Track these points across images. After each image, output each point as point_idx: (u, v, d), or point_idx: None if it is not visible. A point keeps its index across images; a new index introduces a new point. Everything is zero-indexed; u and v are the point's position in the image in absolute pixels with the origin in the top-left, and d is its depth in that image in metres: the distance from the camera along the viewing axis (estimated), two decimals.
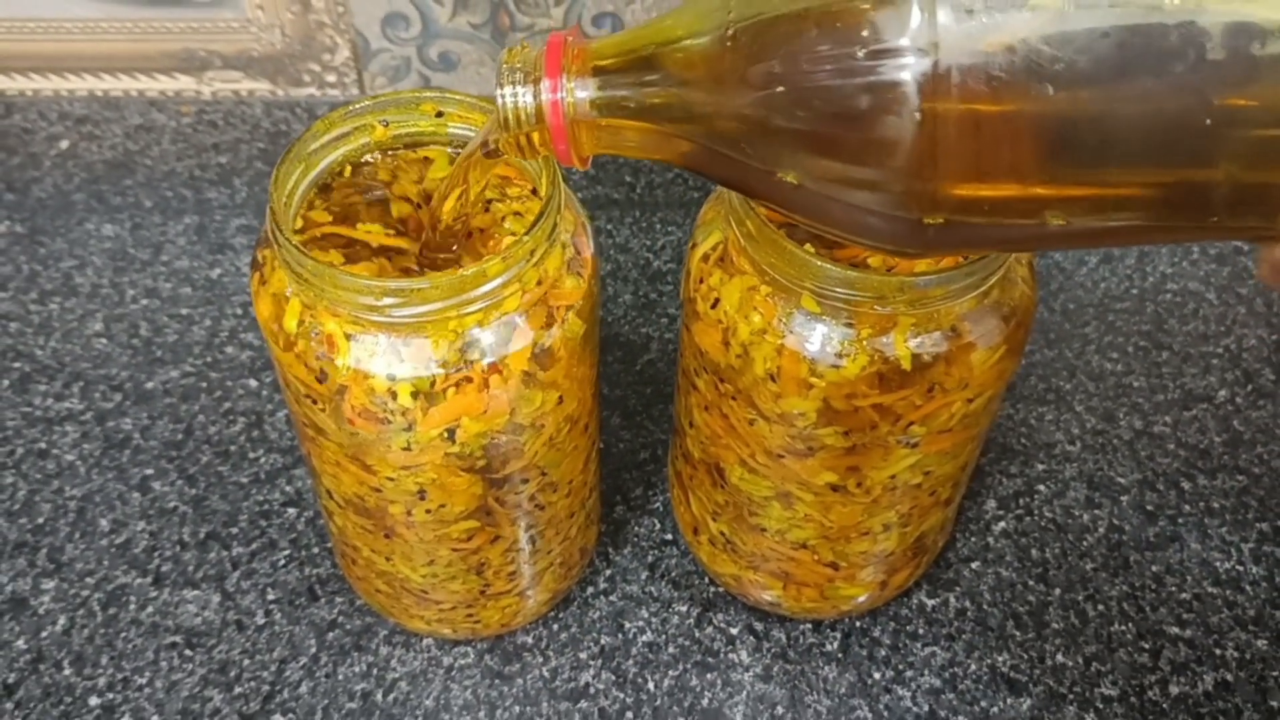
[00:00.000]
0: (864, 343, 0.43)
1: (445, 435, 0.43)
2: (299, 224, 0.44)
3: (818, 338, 0.43)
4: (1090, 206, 0.33)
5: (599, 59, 0.37)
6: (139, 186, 0.76)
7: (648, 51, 0.36)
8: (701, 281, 0.46)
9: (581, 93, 0.36)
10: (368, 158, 0.47)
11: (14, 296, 0.70)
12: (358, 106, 0.45)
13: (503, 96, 0.37)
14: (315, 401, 0.43)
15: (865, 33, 0.31)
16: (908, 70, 0.31)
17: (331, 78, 0.76)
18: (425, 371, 0.41)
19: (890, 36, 0.31)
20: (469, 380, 0.42)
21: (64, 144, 0.76)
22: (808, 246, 0.43)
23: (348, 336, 0.41)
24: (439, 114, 0.46)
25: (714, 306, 0.45)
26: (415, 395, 0.41)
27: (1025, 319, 0.45)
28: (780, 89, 0.33)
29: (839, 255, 0.45)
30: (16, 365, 0.67)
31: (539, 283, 0.43)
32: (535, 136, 0.38)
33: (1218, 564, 0.60)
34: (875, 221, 0.34)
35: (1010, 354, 0.45)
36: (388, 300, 0.40)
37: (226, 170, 0.76)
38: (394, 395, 0.41)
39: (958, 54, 0.30)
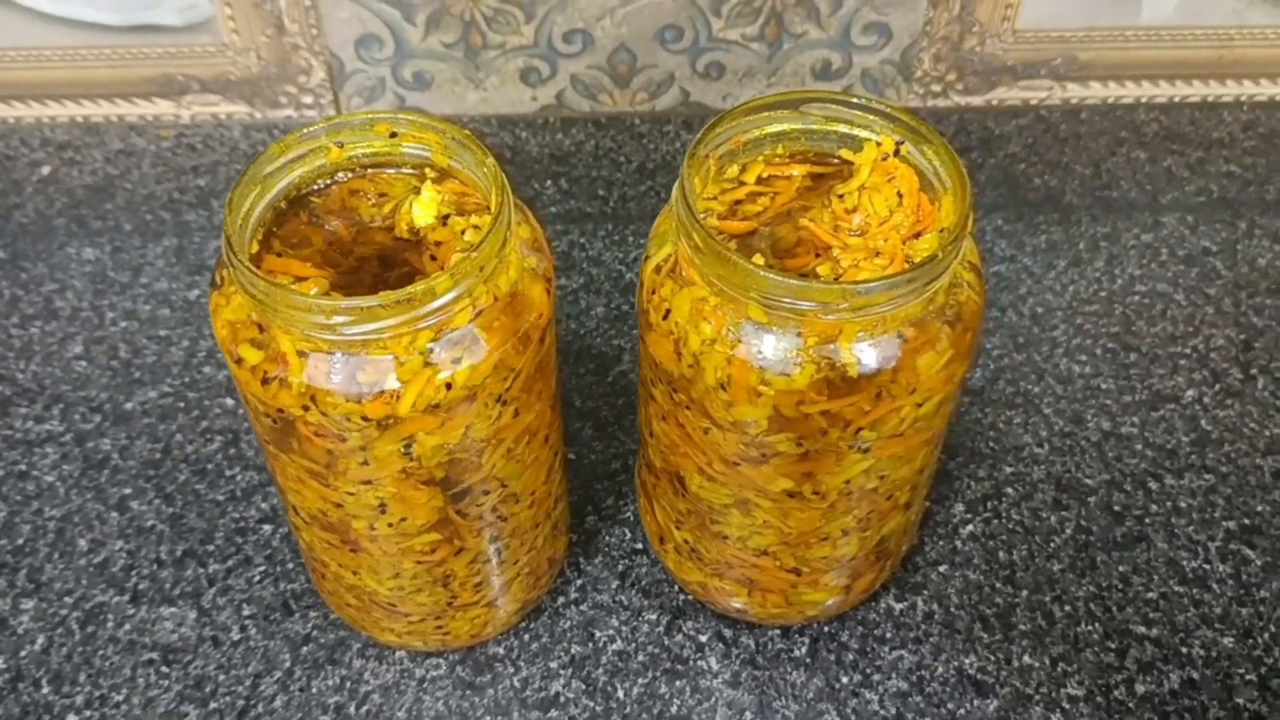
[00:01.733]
0: (811, 350, 0.43)
1: (402, 450, 0.44)
2: (277, 243, 0.45)
3: (766, 347, 0.44)
4: None
5: None
6: (119, 210, 0.77)
7: None
8: (654, 292, 0.47)
9: None
10: (320, 181, 0.48)
11: None
12: (312, 129, 0.46)
13: None
14: (273, 420, 0.44)
15: None
16: None
17: (308, 99, 0.77)
18: (381, 387, 0.42)
19: None
20: (424, 395, 0.42)
21: (45, 170, 0.77)
22: (757, 258, 0.44)
23: (302, 355, 0.42)
24: (393, 134, 0.47)
25: (665, 317, 0.46)
26: (371, 412, 0.42)
27: (972, 322, 0.46)
28: None
29: (788, 265, 0.46)
30: None
31: (494, 297, 0.44)
32: None
33: (1184, 563, 0.61)
34: None
35: (958, 358, 0.45)
36: (338, 319, 0.40)
37: (205, 192, 0.77)
38: (350, 413, 0.42)
39: None
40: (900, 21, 0.74)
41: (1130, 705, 0.56)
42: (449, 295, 0.41)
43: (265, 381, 0.42)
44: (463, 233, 0.46)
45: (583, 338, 0.71)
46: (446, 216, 0.46)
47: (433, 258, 0.45)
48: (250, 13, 0.72)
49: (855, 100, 0.48)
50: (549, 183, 0.77)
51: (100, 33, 0.73)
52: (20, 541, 0.61)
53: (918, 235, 0.46)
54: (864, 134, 0.48)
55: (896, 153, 0.47)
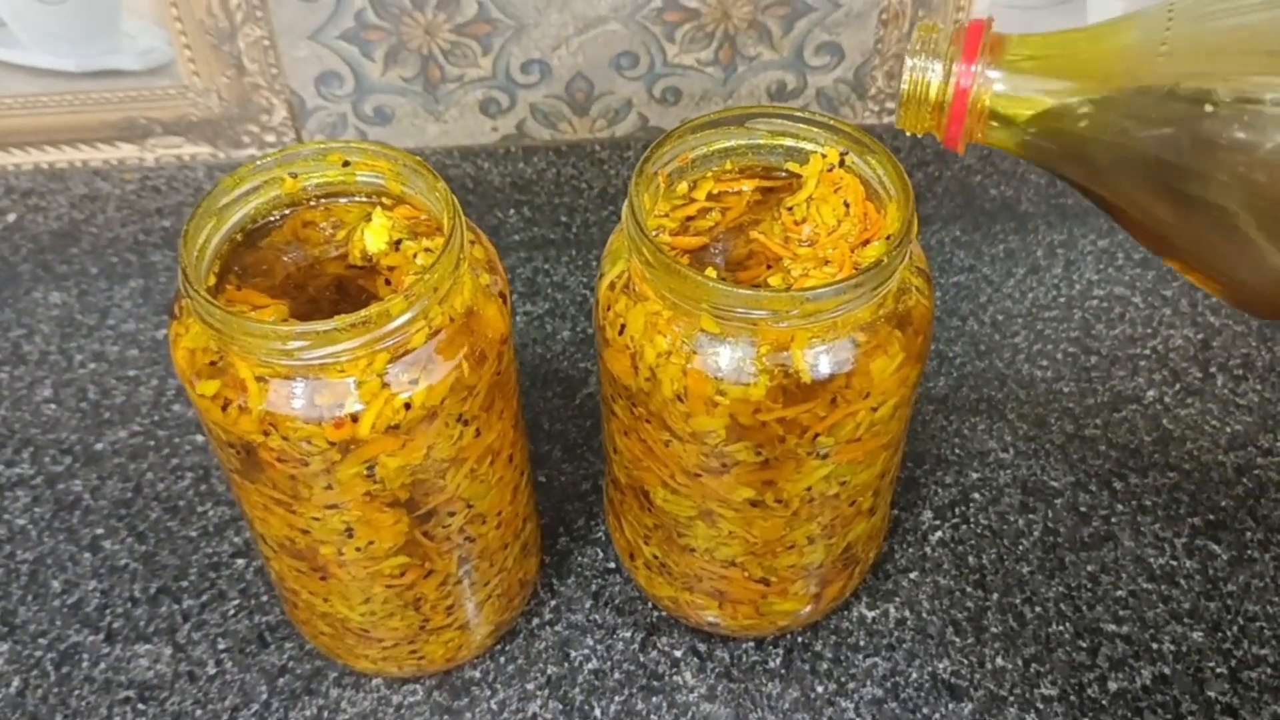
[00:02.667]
0: (764, 359, 0.44)
1: (365, 473, 0.44)
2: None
3: (720, 357, 0.44)
4: None
5: (1018, 57, 0.37)
6: (85, 254, 0.77)
7: (1069, 62, 0.36)
8: (609, 309, 0.48)
9: (993, 85, 0.37)
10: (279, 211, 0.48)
11: None
12: (264, 160, 0.46)
13: (913, 68, 0.38)
14: (234, 448, 0.44)
15: None
16: None
17: (270, 138, 0.78)
18: (340, 411, 0.42)
19: None
20: (384, 416, 0.43)
21: (10, 217, 0.78)
22: (709, 270, 0.45)
23: (261, 380, 0.42)
24: (346, 163, 0.48)
25: (621, 332, 0.47)
26: (331, 435, 0.42)
27: (923, 326, 0.46)
28: (1208, 117, 0.33)
29: (741, 278, 0.46)
30: None
31: (450, 318, 0.44)
32: (930, 116, 0.38)
33: (1151, 560, 0.62)
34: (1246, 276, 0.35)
35: (910, 361, 0.46)
36: (295, 344, 0.41)
37: (171, 233, 0.78)
38: (311, 437, 0.43)
39: None
40: (851, 41, 0.75)
41: (1104, 703, 0.56)
42: (404, 316, 0.42)
43: (225, 408, 0.42)
44: (415, 256, 0.47)
45: (549, 361, 0.71)
46: (399, 241, 0.46)
47: (387, 282, 0.46)
48: (210, 54, 0.73)
49: (799, 114, 0.49)
50: (512, 211, 0.78)
51: (61, 79, 0.74)
52: None
53: (866, 243, 0.47)
54: (809, 146, 0.49)
55: (842, 163, 0.48)
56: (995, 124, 0.39)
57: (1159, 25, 0.35)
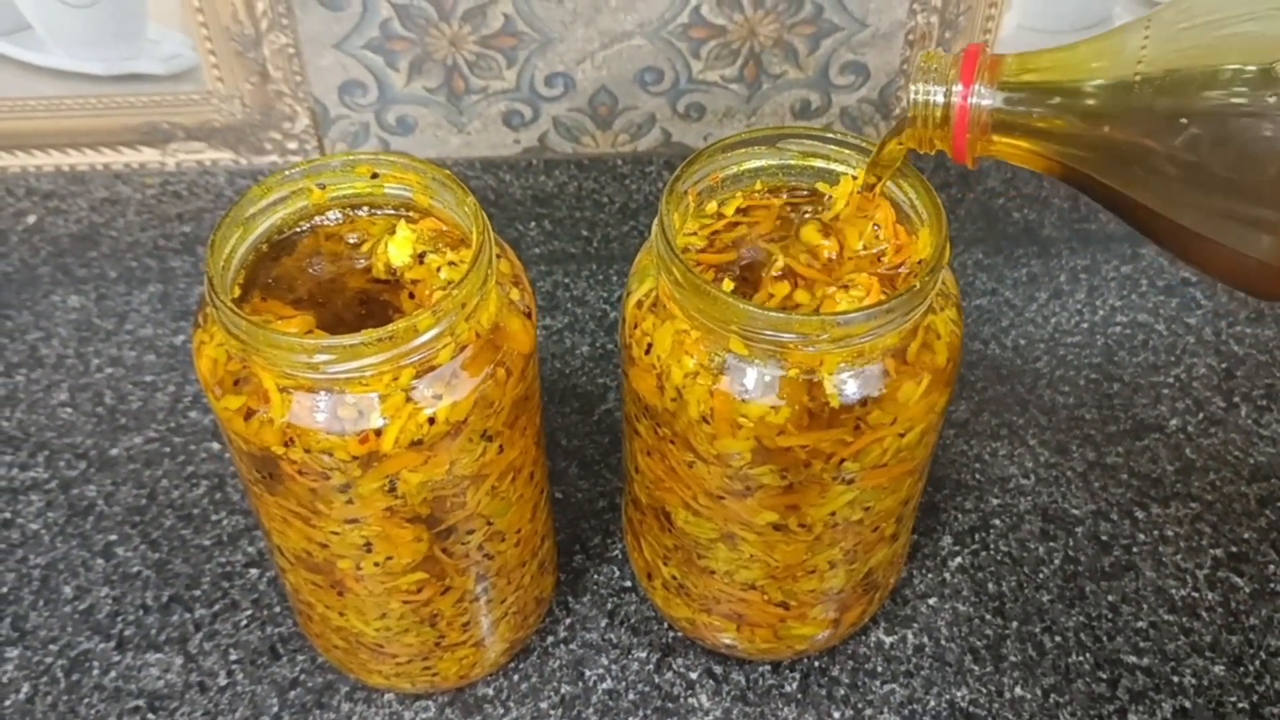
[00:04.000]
0: (792, 382, 0.44)
1: (386, 488, 0.44)
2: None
3: (747, 379, 0.44)
4: None
5: (1008, 74, 0.41)
6: (104, 258, 0.77)
7: (1056, 78, 0.41)
8: (636, 327, 0.47)
9: (988, 101, 0.41)
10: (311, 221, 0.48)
11: None
12: (292, 171, 0.46)
13: (915, 93, 0.42)
14: (254, 459, 0.44)
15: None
16: None
17: (293, 145, 0.78)
18: (364, 425, 0.42)
19: None
20: (407, 431, 0.42)
21: (30, 219, 0.77)
22: (726, 283, 0.44)
23: (285, 391, 0.42)
24: (374, 175, 0.47)
25: (648, 351, 0.46)
26: (354, 449, 0.42)
27: (952, 353, 0.46)
28: (1189, 128, 0.37)
29: (773, 292, 0.46)
30: None
31: (476, 333, 0.44)
32: (937, 133, 0.43)
33: (1173, 591, 0.61)
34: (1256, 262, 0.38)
35: (938, 387, 0.46)
36: (321, 357, 0.41)
37: (190, 239, 0.78)
38: (333, 450, 0.42)
39: None
40: (877, 60, 0.75)
41: None
42: (431, 332, 0.42)
43: (247, 418, 0.42)
44: (439, 270, 0.46)
45: (568, 377, 0.71)
46: (423, 255, 0.46)
47: (411, 296, 0.45)
48: (234, 61, 0.73)
49: (831, 135, 0.48)
50: (532, 224, 0.78)
51: (85, 83, 0.74)
52: (4, 589, 0.61)
53: (896, 267, 0.46)
54: (840, 168, 0.49)
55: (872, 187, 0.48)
56: (998, 136, 0.42)
57: (1138, 35, 0.40)
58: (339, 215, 0.48)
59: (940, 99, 0.42)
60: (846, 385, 0.44)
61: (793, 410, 0.44)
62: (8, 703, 0.56)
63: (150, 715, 0.56)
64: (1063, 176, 0.42)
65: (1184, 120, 0.38)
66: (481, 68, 0.73)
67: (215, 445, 0.67)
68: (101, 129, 0.77)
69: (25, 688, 0.57)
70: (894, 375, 0.44)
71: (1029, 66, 0.42)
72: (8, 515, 0.64)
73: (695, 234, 0.49)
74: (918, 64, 0.42)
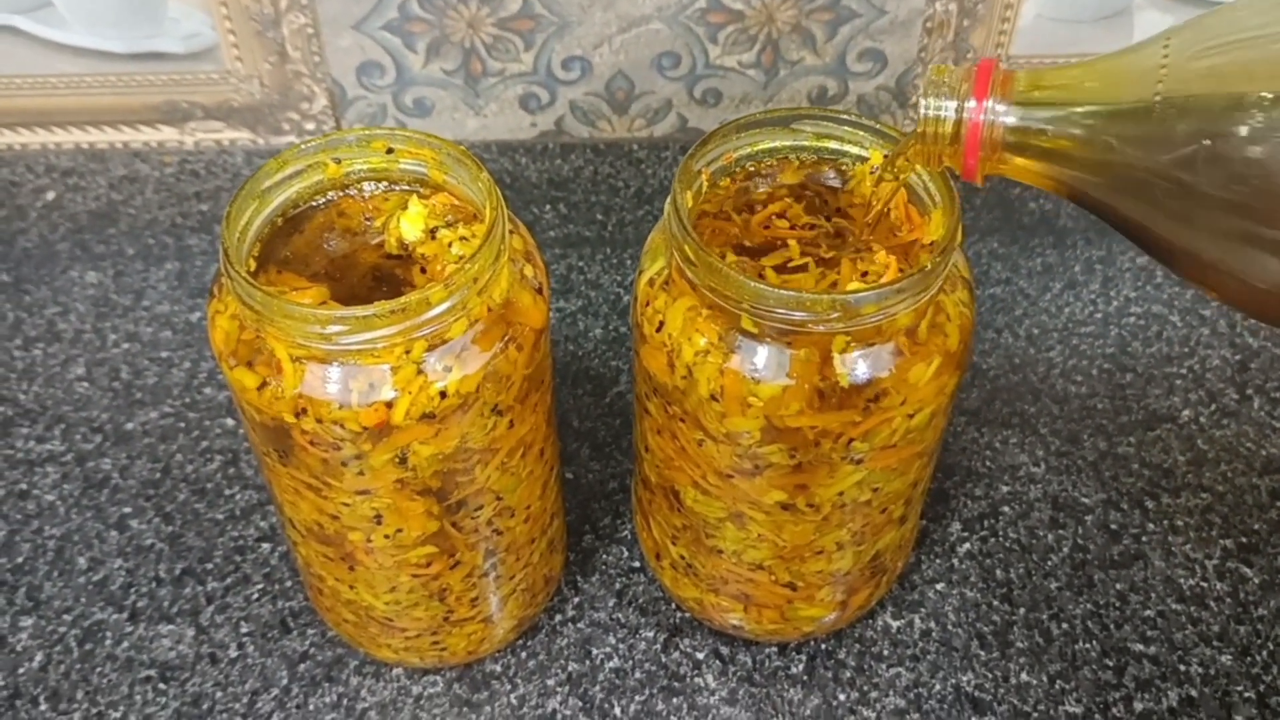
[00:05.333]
0: (802, 361, 0.44)
1: (397, 460, 0.44)
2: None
3: (757, 357, 0.44)
4: None
5: (1022, 90, 0.40)
6: (122, 235, 0.78)
7: (1071, 96, 0.40)
8: (647, 305, 0.47)
9: (1003, 118, 0.40)
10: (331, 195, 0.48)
11: None
12: (309, 145, 0.46)
13: (926, 108, 0.41)
14: (267, 429, 0.44)
15: None
16: None
17: (310, 125, 0.78)
18: (375, 397, 0.42)
19: None
20: (418, 404, 0.43)
21: (50, 196, 0.78)
22: (729, 256, 0.44)
23: (297, 361, 0.42)
24: (389, 150, 0.47)
25: (659, 329, 0.46)
26: (365, 420, 0.42)
27: (964, 334, 0.46)
28: (1210, 153, 0.36)
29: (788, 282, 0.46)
30: (0, 410, 0.68)
31: (488, 308, 0.44)
32: (947, 151, 0.41)
33: (1181, 581, 0.61)
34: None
35: (948, 369, 0.46)
36: (334, 328, 0.41)
37: (208, 217, 0.78)
38: (344, 421, 0.42)
39: None
40: (895, 48, 0.75)
41: None
42: (443, 305, 0.42)
43: (260, 388, 0.42)
44: (450, 245, 0.46)
45: (580, 359, 0.71)
46: (435, 230, 0.46)
47: (423, 270, 0.46)
48: (253, 41, 0.73)
49: (845, 116, 0.48)
50: (548, 207, 0.78)
51: (105, 60, 0.74)
52: (20, 560, 0.61)
53: (910, 244, 0.46)
54: (854, 150, 0.49)
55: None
56: (1009, 155, 0.41)
57: (1156, 56, 0.38)
58: (353, 190, 0.48)
59: (952, 115, 0.41)
60: (857, 365, 0.44)
61: (802, 389, 0.44)
62: (22, 671, 0.57)
63: (162, 685, 0.57)
64: (1073, 198, 0.41)
65: (1206, 144, 0.36)
66: (499, 50, 0.74)
67: (229, 421, 0.67)
68: (121, 107, 0.78)
69: (39, 656, 0.58)
70: (905, 356, 0.44)
71: (1042, 84, 0.40)
72: (24, 487, 0.64)
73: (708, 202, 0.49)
74: (928, 77, 0.41)
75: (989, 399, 0.69)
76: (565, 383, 0.70)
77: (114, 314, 0.74)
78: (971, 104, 0.40)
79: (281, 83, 0.76)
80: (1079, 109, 0.39)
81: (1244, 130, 0.36)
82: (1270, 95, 0.36)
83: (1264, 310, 0.40)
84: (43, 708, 0.56)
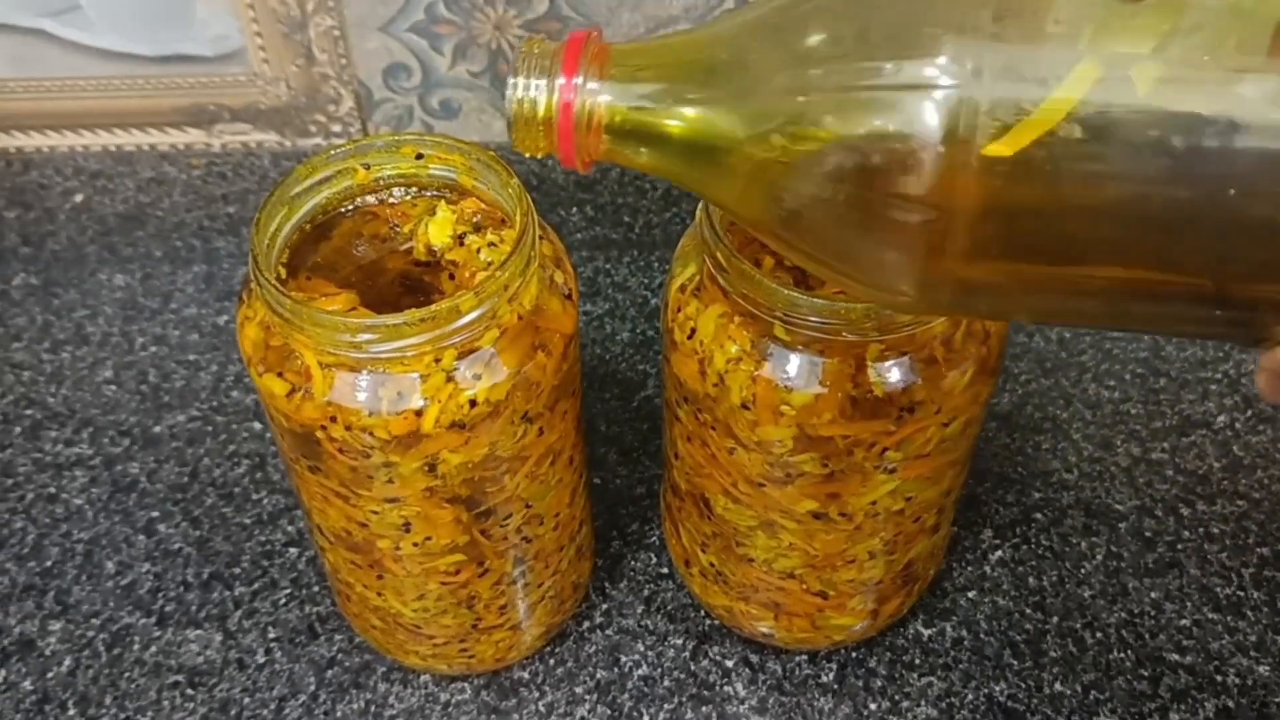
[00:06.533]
0: (836, 369, 0.43)
1: (426, 468, 0.44)
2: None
3: (790, 366, 0.44)
4: (1069, 293, 0.34)
5: (620, 66, 0.36)
6: (150, 238, 0.78)
7: (667, 69, 0.36)
8: (679, 311, 0.47)
9: (596, 97, 0.36)
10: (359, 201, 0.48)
11: (28, 346, 0.72)
12: (338, 150, 0.46)
13: (514, 87, 0.36)
14: (295, 436, 0.44)
15: (888, 104, 0.32)
16: (928, 131, 0.31)
17: (337, 128, 0.78)
18: (405, 405, 0.42)
19: (914, 116, 0.31)
20: (448, 412, 0.42)
21: (78, 198, 0.78)
22: (779, 273, 0.44)
23: (326, 368, 0.42)
24: (419, 156, 0.47)
25: (690, 336, 0.46)
26: (394, 429, 0.42)
27: (997, 342, 0.45)
28: (802, 150, 0.33)
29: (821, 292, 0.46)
30: (29, 413, 0.68)
31: (518, 315, 0.44)
32: (541, 134, 0.37)
33: (1218, 589, 0.60)
34: (867, 282, 0.35)
35: (983, 377, 0.45)
36: (364, 336, 0.41)
37: (235, 220, 0.78)
38: (373, 429, 0.42)
39: (981, 132, 0.31)
40: None
41: None
42: (474, 313, 0.41)
43: (289, 395, 0.42)
44: (479, 251, 0.46)
45: (607, 363, 0.71)
46: (463, 235, 0.46)
47: (451, 277, 0.45)
48: (280, 43, 0.73)
49: None
50: (574, 210, 0.77)
51: (133, 63, 0.75)
52: (49, 563, 0.61)
53: None
54: None
55: None
56: (612, 138, 0.37)
57: (743, 21, 0.35)
58: (382, 195, 0.48)
59: (542, 94, 0.36)
60: (890, 373, 0.43)
61: (835, 398, 0.43)
62: (50, 675, 0.57)
63: (190, 690, 0.57)
64: (682, 183, 0.38)
65: (797, 100, 0.33)
66: None
67: (257, 425, 0.67)
68: (149, 109, 0.78)
69: (68, 660, 0.58)
70: (939, 364, 0.44)
71: (638, 56, 0.36)
72: (52, 490, 0.65)
73: None
74: (519, 52, 0.37)
75: (1020, 404, 0.68)
76: (592, 387, 0.70)
77: (142, 317, 0.74)
78: (561, 81, 0.36)
79: (308, 85, 0.76)
80: (673, 82, 0.35)
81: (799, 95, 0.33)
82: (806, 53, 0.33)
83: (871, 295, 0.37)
84: (71, 713, 0.56)
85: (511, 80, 0.36)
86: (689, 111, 0.35)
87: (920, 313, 0.41)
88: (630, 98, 0.36)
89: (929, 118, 0.31)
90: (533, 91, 0.36)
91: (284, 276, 0.45)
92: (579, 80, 0.36)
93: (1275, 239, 0.30)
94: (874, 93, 0.32)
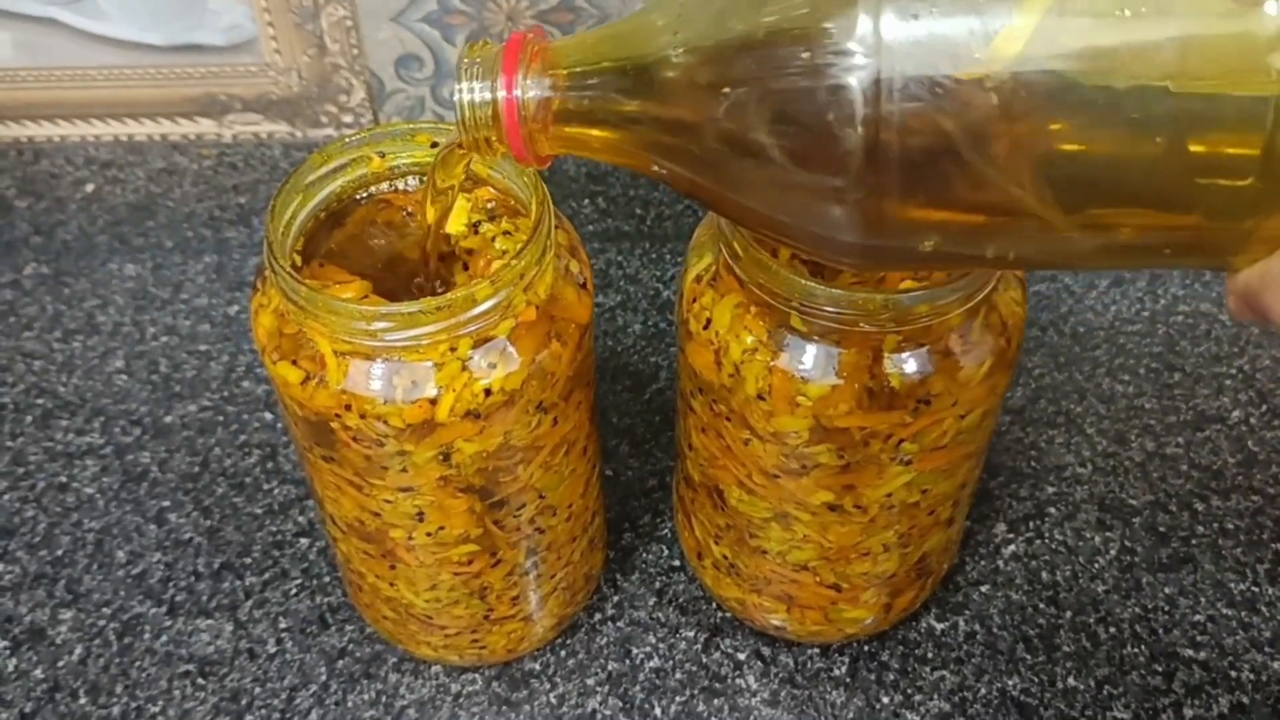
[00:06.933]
0: (852, 360, 0.43)
1: (440, 457, 0.44)
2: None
3: (806, 356, 0.43)
4: (1026, 234, 0.33)
5: (557, 61, 0.37)
6: (160, 228, 0.78)
7: (603, 61, 0.37)
8: (694, 302, 0.47)
9: (536, 92, 0.37)
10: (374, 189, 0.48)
11: (39, 335, 0.72)
12: (354, 139, 0.46)
13: (459, 92, 0.37)
14: (309, 424, 0.44)
15: (809, 45, 0.31)
16: (852, 75, 0.31)
17: (348, 118, 0.78)
18: (420, 394, 0.42)
19: (835, 43, 0.31)
20: (462, 401, 0.42)
21: (89, 188, 0.78)
22: (796, 263, 0.44)
23: (340, 356, 0.42)
24: (434, 144, 0.47)
25: (706, 327, 0.46)
26: (409, 417, 0.42)
27: (1015, 334, 0.45)
28: (726, 98, 0.33)
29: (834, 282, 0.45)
30: (40, 402, 0.68)
31: (533, 304, 0.43)
32: (493, 135, 0.38)
33: (1232, 585, 0.60)
34: (815, 232, 0.34)
35: (1000, 369, 0.45)
36: (379, 325, 0.40)
37: (245, 210, 0.78)
38: (387, 417, 0.42)
39: (902, 62, 0.30)
40: None
41: None
42: (489, 302, 0.41)
43: (303, 382, 0.42)
44: (493, 239, 0.46)
45: (619, 355, 0.71)
46: (478, 224, 0.46)
47: (465, 266, 0.45)
48: (292, 33, 0.73)
49: None
50: (586, 201, 0.77)
51: (145, 53, 0.74)
52: (60, 552, 0.61)
53: None
54: None
55: None
56: (560, 131, 0.38)
57: (672, 6, 0.35)
58: (397, 184, 0.48)
59: (486, 95, 0.37)
60: (907, 365, 0.43)
61: (852, 389, 0.43)
62: (61, 664, 0.57)
63: (200, 680, 0.57)
64: (640, 169, 0.38)
65: (726, 91, 0.33)
66: None
67: (268, 415, 0.67)
68: (160, 99, 0.77)
69: (79, 649, 0.58)
70: (955, 356, 0.44)
71: (573, 53, 0.37)
72: (64, 479, 0.65)
73: None
74: (461, 56, 0.38)
75: (1034, 398, 0.68)
76: (604, 378, 0.69)
77: (152, 307, 0.74)
78: (502, 81, 0.37)
79: (320, 75, 0.75)
80: (607, 69, 0.36)
81: (759, 70, 0.33)
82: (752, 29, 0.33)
83: (835, 252, 0.36)
84: (81, 701, 0.56)
85: (455, 85, 0.38)
86: (629, 83, 0.36)
87: (866, 267, 0.41)
88: (570, 92, 0.37)
89: (857, 40, 0.31)
90: (476, 94, 0.37)
91: (298, 264, 0.45)
92: (519, 76, 0.37)
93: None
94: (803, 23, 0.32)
